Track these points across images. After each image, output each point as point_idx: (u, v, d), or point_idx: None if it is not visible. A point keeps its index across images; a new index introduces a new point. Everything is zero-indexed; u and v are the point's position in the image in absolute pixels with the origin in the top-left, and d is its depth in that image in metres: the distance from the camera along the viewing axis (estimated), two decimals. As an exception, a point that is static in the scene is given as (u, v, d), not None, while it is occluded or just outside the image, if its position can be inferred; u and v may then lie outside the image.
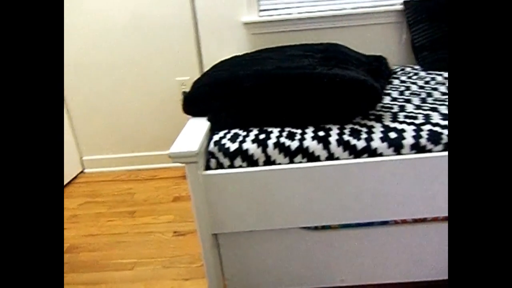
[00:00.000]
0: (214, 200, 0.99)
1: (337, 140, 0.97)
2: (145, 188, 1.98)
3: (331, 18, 1.86)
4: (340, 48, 1.48)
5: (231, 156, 0.98)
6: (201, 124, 1.09)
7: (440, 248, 1.06)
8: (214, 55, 1.96)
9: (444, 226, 1.03)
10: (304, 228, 1.04)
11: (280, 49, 1.49)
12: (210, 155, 1.00)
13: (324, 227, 1.04)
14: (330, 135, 0.98)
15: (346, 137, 0.97)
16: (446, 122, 1.00)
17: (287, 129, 1.04)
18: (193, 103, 1.16)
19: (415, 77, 1.57)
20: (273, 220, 1.01)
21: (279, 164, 0.98)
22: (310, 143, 0.97)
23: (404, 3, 1.79)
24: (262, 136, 1.00)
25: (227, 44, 1.95)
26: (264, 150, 0.97)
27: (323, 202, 0.98)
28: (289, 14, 1.88)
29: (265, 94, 1.04)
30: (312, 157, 0.97)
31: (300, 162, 0.97)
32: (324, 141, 0.97)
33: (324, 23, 1.86)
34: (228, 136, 1.03)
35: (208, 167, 1.00)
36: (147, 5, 1.89)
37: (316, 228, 1.04)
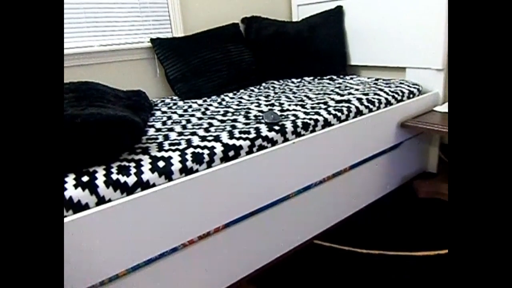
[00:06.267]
0: None
1: (105, 182, 0.90)
2: None
3: (80, 56, 1.75)
4: (95, 86, 1.41)
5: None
6: None
7: (228, 252, 1.18)
8: None
9: (227, 233, 1.15)
10: (89, 289, 0.91)
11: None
12: None
13: (111, 280, 0.94)
14: (96, 178, 0.91)
15: (114, 176, 0.92)
16: (205, 143, 1.12)
17: (41, 183, 0.88)
18: None
19: (174, 107, 1.70)
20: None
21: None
22: (73, 192, 0.86)
23: (151, 40, 1.92)
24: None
25: None
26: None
27: (101, 252, 0.89)
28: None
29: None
30: (78, 207, 0.86)
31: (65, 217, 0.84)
32: (90, 186, 0.88)
33: (71, 61, 1.73)
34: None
35: None
36: None
37: (102, 283, 0.93)
